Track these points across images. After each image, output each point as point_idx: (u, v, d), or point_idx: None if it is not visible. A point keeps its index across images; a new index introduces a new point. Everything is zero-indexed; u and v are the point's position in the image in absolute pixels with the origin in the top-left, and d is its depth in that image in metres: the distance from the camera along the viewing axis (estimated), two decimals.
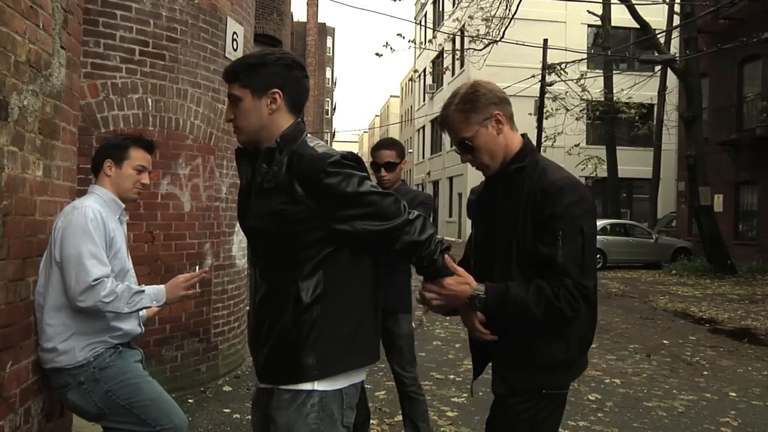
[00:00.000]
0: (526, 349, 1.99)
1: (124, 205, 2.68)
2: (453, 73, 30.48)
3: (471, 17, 17.41)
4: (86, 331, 2.45)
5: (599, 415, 4.80)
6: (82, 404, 2.49)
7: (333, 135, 52.19)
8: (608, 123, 21.06)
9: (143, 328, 2.73)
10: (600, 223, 18.73)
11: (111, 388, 2.47)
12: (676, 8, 18.16)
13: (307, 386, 1.82)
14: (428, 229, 1.89)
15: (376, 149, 3.60)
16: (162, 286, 2.58)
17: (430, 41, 22.83)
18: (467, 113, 2.05)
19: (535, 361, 1.99)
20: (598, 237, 16.80)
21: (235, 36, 5.41)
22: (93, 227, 2.42)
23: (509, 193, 2.03)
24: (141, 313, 2.70)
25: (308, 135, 1.91)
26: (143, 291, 2.50)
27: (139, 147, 2.68)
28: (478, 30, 17.18)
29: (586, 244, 1.92)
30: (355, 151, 3.71)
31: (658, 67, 20.24)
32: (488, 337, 2.03)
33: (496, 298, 1.93)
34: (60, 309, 2.42)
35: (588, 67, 22.07)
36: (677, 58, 17.18)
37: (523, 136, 2.14)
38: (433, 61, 34.32)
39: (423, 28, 34.11)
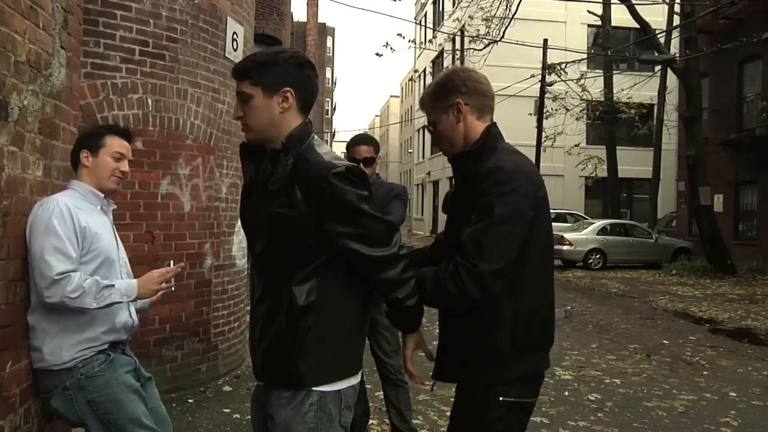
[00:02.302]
0: (458, 340, 1.99)
1: (103, 195, 2.59)
2: None
3: (471, 17, 17.44)
4: (68, 328, 2.40)
5: (599, 415, 4.80)
6: (64, 411, 2.45)
7: (333, 135, 52.16)
8: (608, 123, 21.08)
9: (136, 319, 2.64)
10: (600, 223, 18.77)
11: (94, 399, 2.41)
12: (676, 8, 18.13)
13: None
14: (411, 270, 1.88)
15: (353, 145, 3.59)
16: (134, 281, 2.50)
17: (430, 41, 22.88)
18: (433, 98, 2.10)
19: (466, 350, 1.97)
20: (598, 237, 16.41)
21: (235, 36, 5.41)
22: (57, 221, 2.34)
23: (459, 182, 2.07)
24: (138, 303, 2.64)
25: (315, 138, 1.91)
26: (113, 285, 2.40)
27: (114, 134, 2.61)
28: (478, 30, 17.22)
29: (492, 224, 1.82)
30: None
31: (658, 67, 20.23)
32: (416, 379, 2.05)
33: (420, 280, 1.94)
34: (39, 306, 2.39)
35: (588, 67, 22.11)
36: (677, 58, 17.17)
37: (490, 125, 2.05)
38: (433, 61, 34.31)
39: (423, 28, 34.11)
